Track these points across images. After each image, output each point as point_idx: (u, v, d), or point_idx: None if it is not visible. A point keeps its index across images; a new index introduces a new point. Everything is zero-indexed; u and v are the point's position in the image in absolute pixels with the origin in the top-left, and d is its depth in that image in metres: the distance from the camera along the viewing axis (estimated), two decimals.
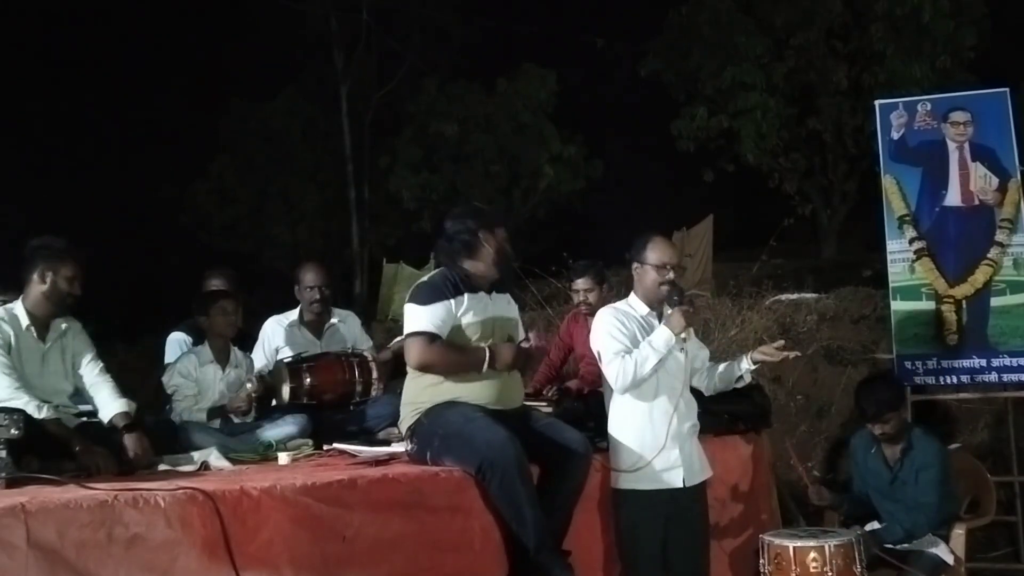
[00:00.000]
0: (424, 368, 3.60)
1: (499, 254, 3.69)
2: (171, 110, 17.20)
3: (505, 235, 3.75)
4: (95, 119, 17.18)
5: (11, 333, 3.63)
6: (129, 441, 3.53)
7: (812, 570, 3.66)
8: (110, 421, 3.66)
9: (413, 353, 3.58)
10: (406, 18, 16.71)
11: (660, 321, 3.71)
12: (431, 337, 3.54)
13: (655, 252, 3.75)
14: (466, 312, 3.60)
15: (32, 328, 3.69)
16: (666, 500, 3.68)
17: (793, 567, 3.69)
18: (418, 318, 3.57)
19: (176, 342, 4.80)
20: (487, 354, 3.54)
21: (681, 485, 3.69)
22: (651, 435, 3.66)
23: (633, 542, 3.71)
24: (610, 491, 3.76)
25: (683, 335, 3.61)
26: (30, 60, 17.43)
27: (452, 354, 3.57)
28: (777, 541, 3.78)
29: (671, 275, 3.72)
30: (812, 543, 3.71)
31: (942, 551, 4.19)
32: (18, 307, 3.72)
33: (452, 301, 3.58)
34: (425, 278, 3.81)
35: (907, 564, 4.15)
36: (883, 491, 4.42)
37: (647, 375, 3.61)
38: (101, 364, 3.84)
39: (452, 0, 16.60)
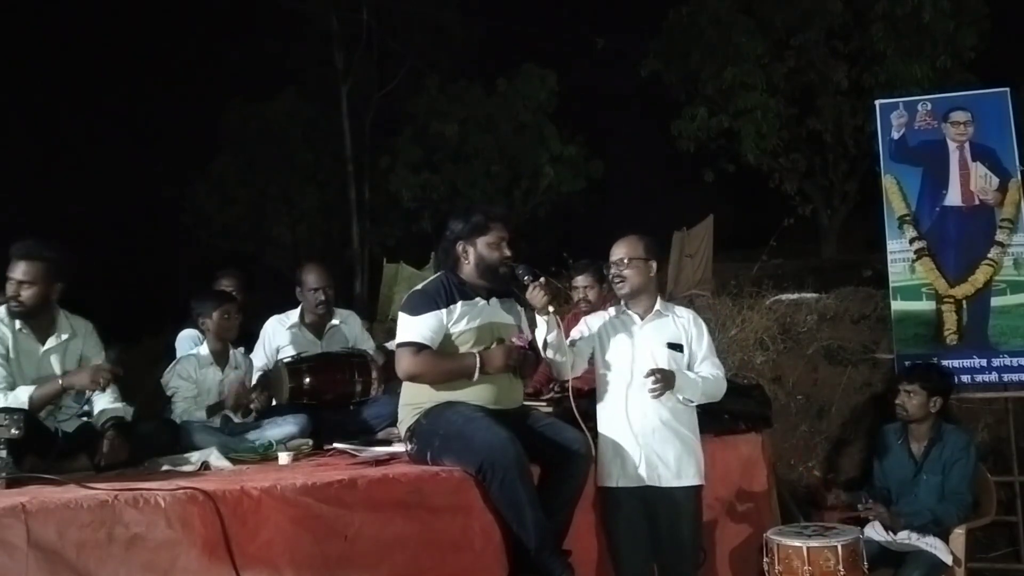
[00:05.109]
0: (413, 378, 3.60)
1: (479, 267, 3.63)
2: (171, 110, 17.21)
3: (495, 239, 3.62)
4: (95, 119, 17.20)
5: (8, 334, 3.63)
6: (105, 442, 3.52)
7: (824, 569, 3.67)
8: (101, 423, 3.66)
9: (402, 364, 3.58)
10: (406, 18, 16.72)
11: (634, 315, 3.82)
12: (418, 347, 3.53)
13: None
14: (459, 320, 3.57)
15: (26, 330, 3.68)
16: (641, 498, 3.66)
17: (805, 566, 3.69)
18: (407, 328, 3.57)
19: (188, 339, 4.80)
20: (477, 360, 3.52)
21: (651, 484, 3.65)
22: (609, 432, 3.71)
23: (610, 538, 3.77)
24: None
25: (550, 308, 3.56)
26: (30, 60, 17.44)
27: (441, 363, 3.55)
28: (786, 541, 3.78)
29: (613, 269, 3.80)
30: (823, 543, 3.71)
31: (941, 551, 4.19)
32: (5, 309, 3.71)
33: (444, 311, 3.56)
34: (420, 285, 3.79)
35: (907, 564, 4.15)
36: (905, 483, 4.48)
37: (553, 361, 3.67)
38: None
39: (452, 0, 16.62)
